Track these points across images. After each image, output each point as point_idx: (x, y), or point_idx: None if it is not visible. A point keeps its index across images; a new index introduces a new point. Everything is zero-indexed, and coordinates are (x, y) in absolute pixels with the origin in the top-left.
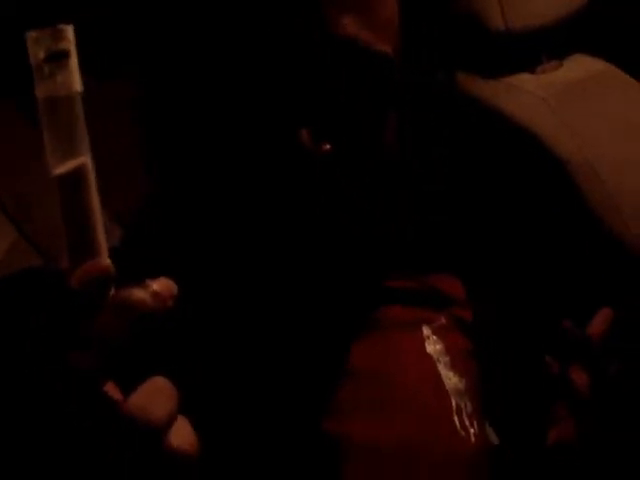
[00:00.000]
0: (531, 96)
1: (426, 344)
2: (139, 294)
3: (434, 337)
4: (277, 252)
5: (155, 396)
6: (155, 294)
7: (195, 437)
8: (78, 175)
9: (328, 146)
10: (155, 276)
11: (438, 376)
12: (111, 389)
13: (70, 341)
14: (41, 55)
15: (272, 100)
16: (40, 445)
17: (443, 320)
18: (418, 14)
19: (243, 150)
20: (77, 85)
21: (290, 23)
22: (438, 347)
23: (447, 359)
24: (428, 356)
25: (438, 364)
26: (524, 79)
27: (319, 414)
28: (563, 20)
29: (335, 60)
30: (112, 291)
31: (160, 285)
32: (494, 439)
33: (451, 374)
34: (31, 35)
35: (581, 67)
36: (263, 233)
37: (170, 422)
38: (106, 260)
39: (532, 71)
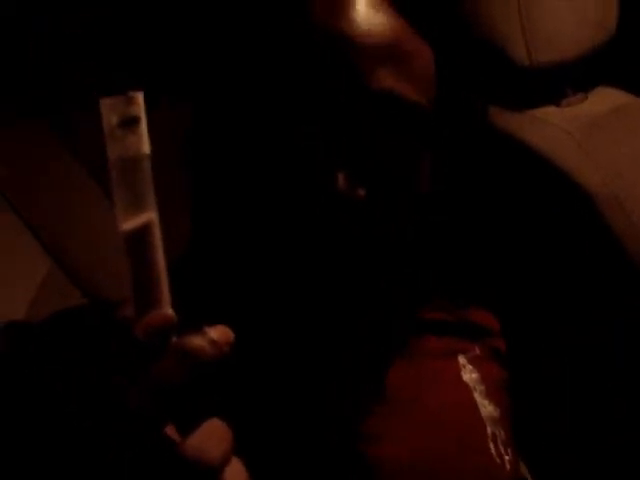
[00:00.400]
0: (556, 129)
1: (462, 373)
2: (198, 342)
3: (470, 366)
4: (315, 288)
5: (211, 437)
6: (213, 342)
7: (248, 477)
8: (145, 230)
9: (363, 192)
10: (204, 320)
11: (474, 404)
12: (169, 431)
13: (132, 386)
14: (114, 120)
15: (310, 145)
16: None
17: (477, 350)
18: (446, 54)
19: (283, 193)
20: (146, 147)
21: (327, 76)
22: (474, 376)
23: (482, 388)
24: (464, 384)
25: (474, 392)
26: (549, 112)
27: (358, 438)
28: (588, 54)
29: (370, 112)
30: (174, 339)
31: (218, 332)
32: (524, 471)
33: (486, 402)
34: (105, 101)
35: (606, 100)
36: (300, 271)
37: (225, 463)
38: (169, 310)
39: (557, 104)
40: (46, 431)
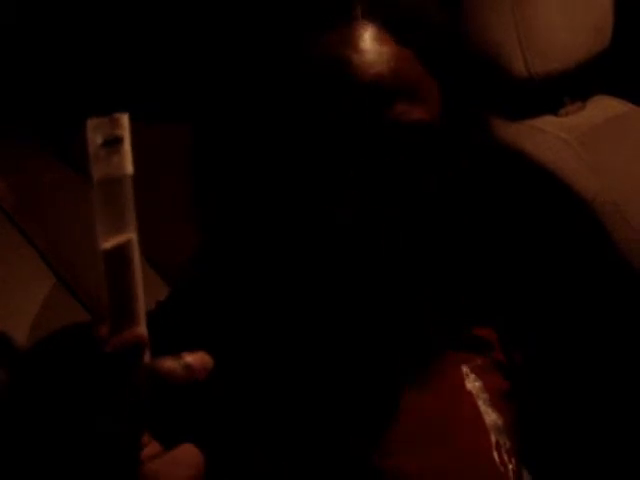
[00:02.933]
0: (554, 138)
1: (466, 382)
2: (170, 365)
3: (473, 375)
4: (324, 305)
5: (174, 464)
6: (187, 366)
7: None
8: (124, 250)
9: (372, 213)
10: (194, 340)
11: (478, 412)
12: (150, 448)
13: (103, 402)
14: (99, 141)
15: (318, 172)
16: None
17: (479, 361)
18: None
19: (286, 214)
20: (129, 168)
21: (339, 107)
22: (477, 384)
23: (486, 396)
24: (468, 393)
25: (478, 400)
26: (547, 121)
27: (368, 450)
28: (585, 63)
29: (385, 138)
30: (147, 358)
31: (194, 358)
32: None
33: (490, 410)
34: (90, 122)
35: (604, 108)
36: (302, 292)
37: None
38: (142, 329)
39: (555, 113)
40: (18, 444)
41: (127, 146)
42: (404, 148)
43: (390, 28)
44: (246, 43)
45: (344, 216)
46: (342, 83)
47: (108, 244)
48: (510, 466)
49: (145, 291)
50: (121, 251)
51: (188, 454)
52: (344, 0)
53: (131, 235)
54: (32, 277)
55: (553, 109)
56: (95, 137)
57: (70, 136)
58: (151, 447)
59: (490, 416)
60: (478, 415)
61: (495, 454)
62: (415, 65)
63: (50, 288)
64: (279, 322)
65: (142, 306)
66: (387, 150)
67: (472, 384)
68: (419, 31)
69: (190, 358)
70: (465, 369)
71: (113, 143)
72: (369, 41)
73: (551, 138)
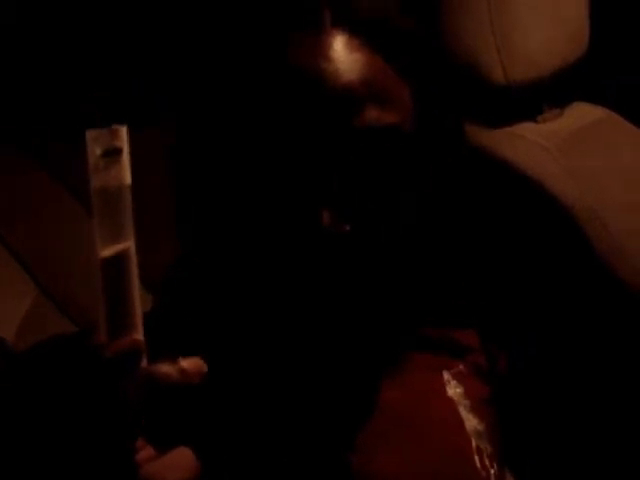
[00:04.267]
0: (533, 144)
1: (447, 388)
2: (165, 369)
3: (454, 381)
4: (301, 316)
5: (169, 468)
6: (182, 371)
7: None
8: (122, 258)
9: (348, 227)
10: (183, 346)
11: (459, 418)
12: (145, 453)
13: (102, 406)
14: (98, 151)
15: (295, 181)
16: None
17: (461, 367)
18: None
19: (267, 226)
20: (127, 178)
21: (312, 116)
22: (458, 390)
23: (467, 402)
24: (449, 399)
25: (459, 406)
26: (526, 128)
27: (346, 450)
28: (562, 70)
29: (357, 147)
30: (144, 363)
31: (189, 363)
32: None
33: (471, 416)
34: (90, 133)
35: (582, 115)
36: (285, 299)
37: None
38: (140, 335)
39: (534, 120)
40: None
41: (126, 157)
42: (380, 155)
43: (359, 35)
44: (217, 55)
45: (329, 227)
46: (313, 92)
47: (106, 252)
48: (492, 471)
49: None
50: (119, 259)
51: (183, 457)
52: (312, 9)
53: (129, 244)
54: (15, 289)
55: (531, 116)
56: (94, 148)
57: (60, 151)
58: (146, 451)
59: (471, 422)
60: (459, 421)
61: (476, 458)
62: (386, 70)
63: (33, 300)
64: (262, 320)
65: (139, 313)
66: (363, 157)
67: (453, 390)
68: (391, 39)
69: (185, 363)
70: (447, 376)
71: (112, 154)
72: (339, 49)
73: (530, 145)
